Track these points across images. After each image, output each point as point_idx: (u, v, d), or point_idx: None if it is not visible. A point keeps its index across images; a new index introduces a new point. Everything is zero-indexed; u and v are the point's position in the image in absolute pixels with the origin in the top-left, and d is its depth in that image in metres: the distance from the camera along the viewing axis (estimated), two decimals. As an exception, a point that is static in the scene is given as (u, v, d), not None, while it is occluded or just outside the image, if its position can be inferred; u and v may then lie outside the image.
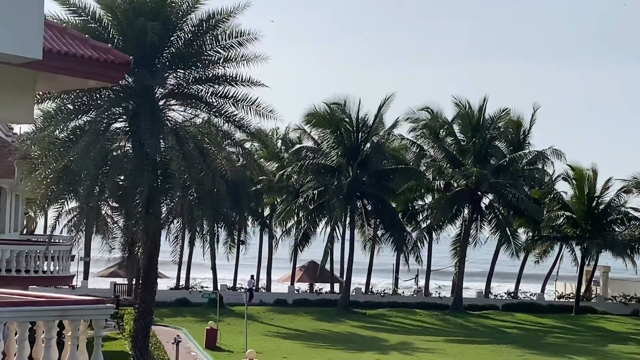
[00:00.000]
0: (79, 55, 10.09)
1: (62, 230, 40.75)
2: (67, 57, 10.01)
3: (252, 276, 64.35)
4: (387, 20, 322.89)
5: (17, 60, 6.91)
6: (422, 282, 68.06)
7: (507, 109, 62.81)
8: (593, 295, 66.75)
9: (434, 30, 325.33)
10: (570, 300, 63.88)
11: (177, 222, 29.89)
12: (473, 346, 46.48)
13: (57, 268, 32.01)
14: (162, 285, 61.37)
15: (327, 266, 65.87)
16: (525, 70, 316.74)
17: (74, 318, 10.78)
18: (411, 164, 64.01)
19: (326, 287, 65.98)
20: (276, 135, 68.75)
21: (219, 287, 61.24)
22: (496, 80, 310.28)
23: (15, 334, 10.69)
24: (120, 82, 21.90)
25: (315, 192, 60.70)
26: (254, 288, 62.37)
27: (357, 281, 66.13)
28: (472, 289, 72.57)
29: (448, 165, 61.81)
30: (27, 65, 9.85)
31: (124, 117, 25.12)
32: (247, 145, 62.91)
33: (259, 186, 62.65)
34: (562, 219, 62.46)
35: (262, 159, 65.36)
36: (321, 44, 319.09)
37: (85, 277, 63.62)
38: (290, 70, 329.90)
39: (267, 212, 68.33)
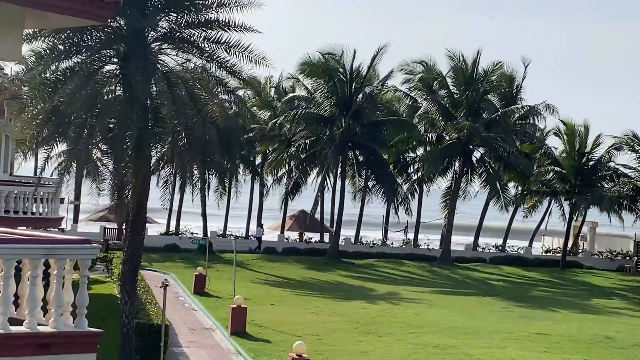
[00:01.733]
0: (67, -8, 9.96)
1: (52, 173, 40.73)
2: (54, -7, 9.88)
3: (261, 225, 64.13)
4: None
5: (1, -7, 6.80)
6: (411, 235, 68.41)
7: (500, 62, 62.82)
8: (580, 250, 67.29)
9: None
10: (557, 254, 64.39)
11: (168, 167, 29.87)
12: (459, 297, 46.94)
13: (45, 210, 32.12)
14: (152, 230, 61.63)
15: (318, 216, 66.12)
16: (521, 25, 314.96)
17: (60, 257, 10.79)
18: (404, 115, 63.97)
19: (316, 236, 66.29)
20: (269, 83, 68.55)
21: (208, 234, 61.45)
22: (491, 35, 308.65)
23: (1, 271, 10.71)
24: (109, 21, 21.74)
25: (307, 141, 60.71)
26: (261, 237, 62.27)
27: (347, 233, 66.48)
28: (460, 242, 73.04)
29: (440, 118, 61.81)
30: (15, 1, 9.74)
31: (116, 59, 24.95)
32: (240, 93, 63.06)
33: (251, 134, 62.61)
34: (551, 174, 62.68)
35: (254, 107, 65.20)
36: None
37: (75, 220, 63.76)
38: (285, 18, 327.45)
39: (258, 160, 68.38)
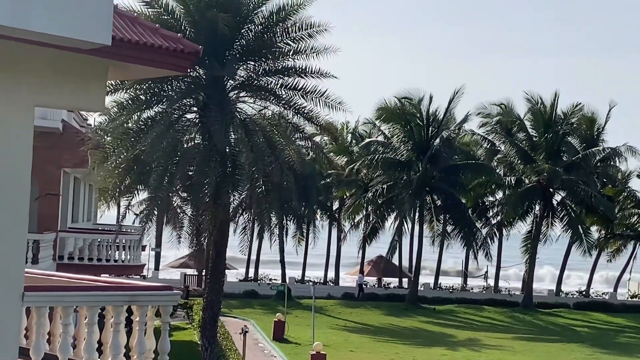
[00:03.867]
0: (149, 44, 10.16)
1: (134, 221, 41.47)
2: (137, 45, 10.09)
3: (362, 272, 63.76)
4: (462, 13, 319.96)
5: (86, 46, 6.96)
6: (491, 280, 67.35)
7: (579, 104, 61.80)
8: (668, 296, 65.24)
9: (510, 23, 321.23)
10: (644, 300, 62.56)
11: (246, 214, 30.10)
12: (542, 344, 45.87)
13: (127, 257, 32.63)
14: (232, 277, 62.01)
15: (396, 261, 65.66)
16: (600, 64, 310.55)
17: (142, 304, 10.89)
18: (482, 159, 63.37)
19: (394, 281, 65.76)
20: (346, 129, 68.82)
21: (287, 280, 61.51)
22: (571, 75, 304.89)
23: (85, 318, 10.86)
24: (189, 71, 22.09)
25: (385, 186, 60.54)
26: (363, 284, 61.89)
27: (426, 279, 65.78)
28: (542, 287, 71.58)
29: (519, 162, 61.05)
30: (99, 54, 9.99)
31: (195, 108, 25.38)
32: (317, 139, 63.34)
33: (328, 180, 62.80)
34: (635, 217, 61.15)
35: (331, 153, 65.43)
36: (393, 36, 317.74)
37: (157, 267, 64.57)
38: (362, 62, 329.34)
39: (336, 206, 68.45)
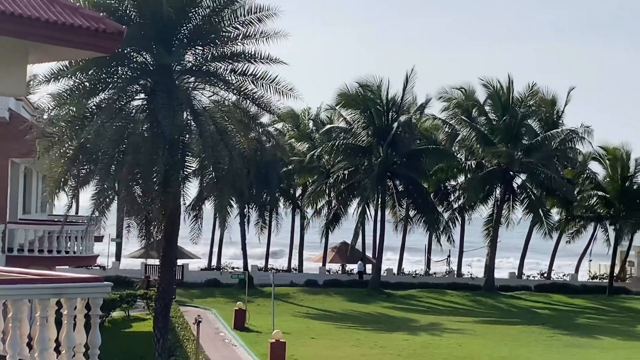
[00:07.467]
0: (68, 24, 9.76)
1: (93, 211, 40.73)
2: (55, 26, 9.69)
3: (361, 258, 63.28)
4: (423, 3, 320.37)
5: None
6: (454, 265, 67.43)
7: (534, 84, 61.85)
8: (627, 276, 65.72)
9: (474, 11, 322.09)
10: (604, 280, 62.99)
11: (200, 202, 29.55)
12: (503, 327, 45.99)
13: (80, 248, 31.97)
14: (193, 266, 61.46)
15: (359, 247, 65.43)
16: (562, 50, 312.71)
17: (70, 296, 10.47)
18: (443, 144, 63.29)
19: (357, 268, 65.47)
20: (307, 115, 68.43)
21: (249, 269, 61.09)
22: (532, 61, 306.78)
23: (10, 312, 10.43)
24: (133, 55, 21.55)
25: (346, 172, 60.35)
26: (363, 271, 61.49)
27: (389, 264, 65.57)
28: (505, 266, 71.85)
29: (479, 145, 61.03)
30: (15, 36, 9.58)
31: (142, 94, 24.82)
32: (279, 126, 62.66)
33: (290, 167, 62.41)
34: (595, 198, 61.46)
35: (292, 139, 65.09)
36: (356, 25, 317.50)
37: (117, 258, 63.83)
38: (325, 50, 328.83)
39: (298, 192, 68.09)
